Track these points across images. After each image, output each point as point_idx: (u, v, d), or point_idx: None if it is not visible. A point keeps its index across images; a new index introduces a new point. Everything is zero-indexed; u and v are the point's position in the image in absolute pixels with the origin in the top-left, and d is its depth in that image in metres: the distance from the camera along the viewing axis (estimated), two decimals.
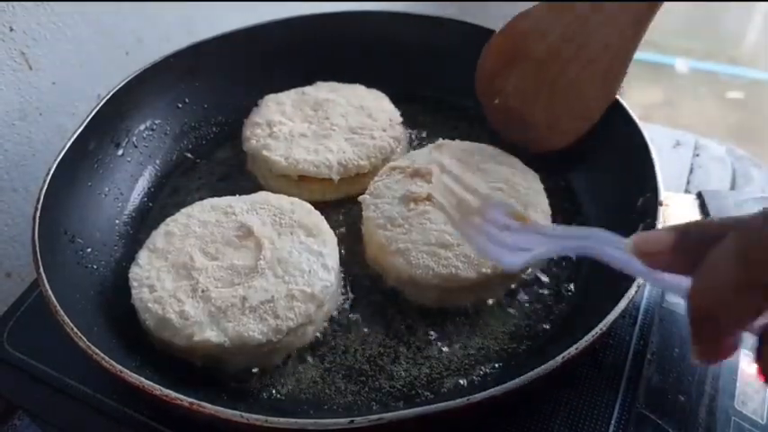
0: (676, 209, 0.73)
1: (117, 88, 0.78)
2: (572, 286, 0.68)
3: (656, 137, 0.96)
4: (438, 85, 0.95)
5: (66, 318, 0.53)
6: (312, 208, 0.71)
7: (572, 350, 0.50)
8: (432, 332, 0.64)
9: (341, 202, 0.79)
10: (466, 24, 0.90)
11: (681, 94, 1.87)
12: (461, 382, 0.60)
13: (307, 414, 0.58)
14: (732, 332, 0.33)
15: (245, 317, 0.59)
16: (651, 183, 0.65)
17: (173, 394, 0.48)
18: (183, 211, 0.70)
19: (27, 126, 0.81)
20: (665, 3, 0.67)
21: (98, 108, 0.75)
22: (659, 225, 0.61)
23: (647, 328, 0.64)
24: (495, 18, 0.83)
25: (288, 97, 0.87)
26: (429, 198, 0.69)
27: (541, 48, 0.77)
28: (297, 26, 0.92)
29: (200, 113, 0.90)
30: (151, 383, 0.49)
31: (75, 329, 0.53)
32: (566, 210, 0.77)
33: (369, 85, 0.90)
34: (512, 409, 0.58)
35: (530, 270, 0.69)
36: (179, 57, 0.85)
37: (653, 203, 0.63)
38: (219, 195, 0.73)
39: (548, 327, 0.64)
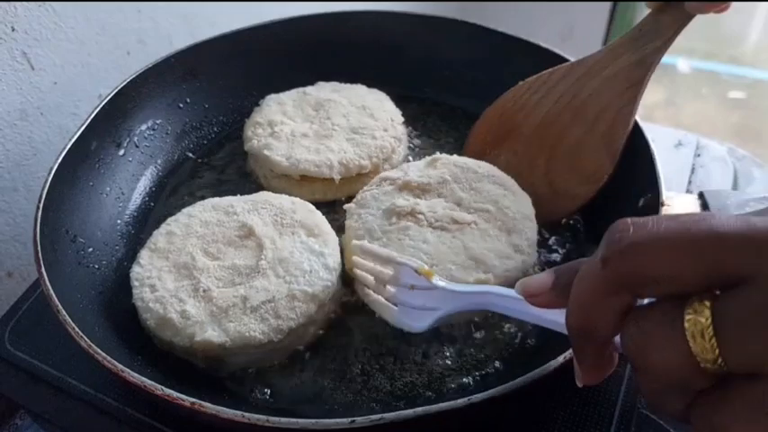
0: (678, 209, 0.73)
1: (118, 88, 0.78)
2: None
3: (658, 137, 0.96)
4: (438, 85, 0.95)
5: (67, 317, 0.53)
6: (313, 208, 0.71)
7: None
8: (434, 332, 0.64)
9: (342, 202, 0.79)
10: (466, 24, 0.90)
11: (683, 93, 1.87)
12: (464, 381, 0.60)
13: (308, 414, 0.58)
14: (608, 340, 0.35)
15: (246, 317, 0.59)
16: (653, 183, 0.65)
17: (174, 394, 0.48)
18: (185, 210, 0.70)
19: (28, 126, 0.81)
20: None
21: (99, 108, 0.75)
22: None
23: None
24: (495, 18, 0.83)
25: (289, 97, 0.87)
26: (413, 213, 0.67)
27: (533, 120, 0.76)
28: (298, 26, 0.92)
29: (202, 113, 0.90)
30: (153, 383, 0.49)
31: (77, 329, 0.53)
32: None
33: (369, 84, 0.90)
34: (513, 409, 0.58)
35: (536, 267, 0.69)
36: (180, 57, 0.85)
37: (654, 204, 0.63)
38: (221, 195, 0.73)
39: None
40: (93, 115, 0.74)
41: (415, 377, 0.61)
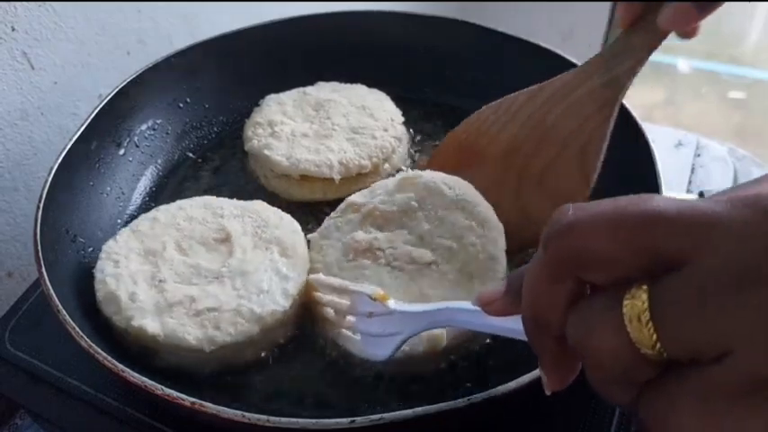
0: None
1: (118, 88, 0.78)
2: None
3: (658, 137, 0.97)
4: (438, 85, 0.95)
5: (67, 317, 0.54)
6: (299, 229, 0.68)
7: None
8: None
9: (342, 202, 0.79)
10: (466, 24, 0.90)
11: (682, 93, 1.87)
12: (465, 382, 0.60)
13: (308, 414, 0.58)
14: (562, 332, 0.33)
15: (187, 318, 0.58)
16: (652, 183, 0.65)
17: (174, 394, 0.48)
18: (178, 202, 0.70)
19: (29, 126, 0.81)
20: None
21: (100, 108, 0.75)
22: None
23: None
24: (495, 18, 0.83)
25: (289, 97, 0.87)
26: (371, 250, 0.64)
27: (498, 146, 0.73)
28: (298, 26, 0.92)
29: (202, 113, 0.90)
30: (153, 383, 0.49)
31: (77, 329, 0.53)
32: None
33: (369, 84, 0.90)
34: (513, 409, 0.58)
35: None
36: (180, 57, 0.85)
37: None
38: (220, 195, 0.73)
39: None
40: (93, 115, 0.74)
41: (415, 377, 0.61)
